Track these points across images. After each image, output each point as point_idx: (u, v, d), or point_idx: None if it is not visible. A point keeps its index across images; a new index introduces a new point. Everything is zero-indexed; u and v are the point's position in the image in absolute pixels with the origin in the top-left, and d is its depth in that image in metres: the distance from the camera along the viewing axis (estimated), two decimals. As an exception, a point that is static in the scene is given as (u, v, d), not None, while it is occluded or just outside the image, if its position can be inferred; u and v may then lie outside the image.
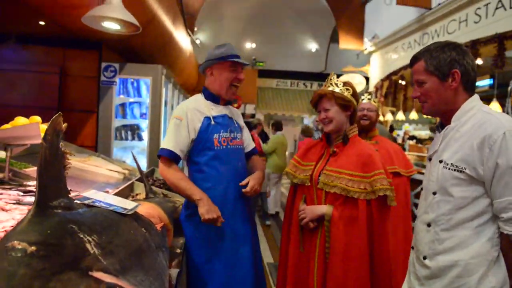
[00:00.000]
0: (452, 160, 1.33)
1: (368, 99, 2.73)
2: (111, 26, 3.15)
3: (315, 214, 1.83)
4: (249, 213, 2.15)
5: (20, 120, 2.39)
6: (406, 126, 11.81)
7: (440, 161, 1.38)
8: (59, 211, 0.86)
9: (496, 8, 5.45)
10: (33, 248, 0.68)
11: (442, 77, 1.36)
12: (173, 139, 1.97)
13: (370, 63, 10.34)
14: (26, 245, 0.68)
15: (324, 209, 1.82)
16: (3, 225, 1.44)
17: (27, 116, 2.46)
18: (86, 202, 1.19)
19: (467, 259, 1.30)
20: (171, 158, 1.95)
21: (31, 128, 2.25)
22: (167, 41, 5.81)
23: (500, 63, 5.21)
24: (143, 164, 4.97)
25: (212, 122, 2.02)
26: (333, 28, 12.90)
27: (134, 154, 2.60)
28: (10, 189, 2.04)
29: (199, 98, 2.12)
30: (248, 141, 2.28)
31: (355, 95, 1.90)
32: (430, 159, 1.49)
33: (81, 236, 0.82)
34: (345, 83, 1.89)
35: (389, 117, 9.33)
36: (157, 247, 1.33)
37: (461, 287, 1.30)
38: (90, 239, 0.84)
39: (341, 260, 1.74)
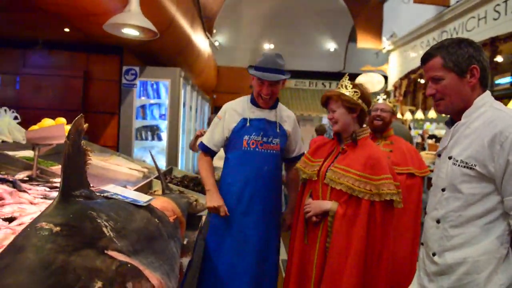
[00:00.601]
0: (461, 156, 1.31)
1: (383, 99, 2.74)
2: (131, 32, 3.32)
3: (320, 209, 1.89)
4: (266, 213, 2.19)
5: (47, 122, 2.57)
6: (428, 125, 11.65)
7: (450, 158, 1.36)
8: (80, 199, 0.99)
9: (515, 5, 5.37)
10: (58, 228, 0.81)
11: (461, 73, 1.33)
12: (209, 135, 2.25)
13: (388, 62, 10.26)
14: (52, 225, 0.81)
15: (329, 205, 1.87)
16: (32, 216, 1.58)
17: (53, 118, 2.64)
18: (104, 194, 1.32)
19: (475, 256, 1.28)
20: (204, 151, 2.24)
21: (57, 129, 2.42)
22: (186, 44, 5.98)
23: (520, 60, 5.14)
24: (162, 163, 5.15)
25: (248, 124, 2.16)
26: (351, 27, 12.84)
27: (152, 153, 2.75)
28: (37, 185, 2.19)
29: (244, 99, 2.27)
30: (293, 147, 2.35)
31: (365, 98, 1.94)
32: (439, 155, 1.46)
33: (99, 221, 0.95)
34: (355, 86, 1.94)
35: (408, 116, 9.25)
36: (169, 236, 1.44)
37: (470, 284, 1.28)
38: (106, 224, 0.97)
39: (338, 255, 1.81)
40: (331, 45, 14.99)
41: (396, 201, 1.82)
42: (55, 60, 5.27)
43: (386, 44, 9.88)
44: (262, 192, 2.17)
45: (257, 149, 2.15)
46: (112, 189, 1.48)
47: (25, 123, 2.89)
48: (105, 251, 0.87)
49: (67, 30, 4.65)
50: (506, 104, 5.92)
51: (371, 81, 10.60)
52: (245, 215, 2.14)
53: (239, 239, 2.14)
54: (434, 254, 1.39)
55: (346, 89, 1.93)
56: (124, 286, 0.81)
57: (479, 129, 1.29)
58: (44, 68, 5.25)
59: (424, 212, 1.60)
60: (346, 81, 1.95)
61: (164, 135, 5.57)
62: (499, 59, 6.04)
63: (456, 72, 1.33)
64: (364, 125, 2.03)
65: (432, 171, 1.64)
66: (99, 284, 0.74)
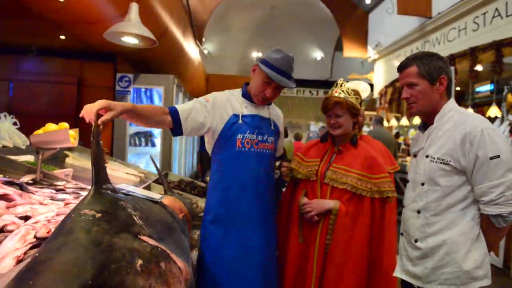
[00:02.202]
0: (438, 154, 1.53)
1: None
2: (130, 40, 3.42)
3: (323, 208, 1.92)
4: (266, 222, 1.99)
5: (50, 127, 2.64)
6: (412, 132, 11.94)
7: (427, 156, 1.58)
8: (109, 192, 1.10)
9: (493, 17, 5.67)
10: (99, 214, 0.91)
11: (432, 81, 1.56)
12: (187, 107, 1.85)
13: (374, 71, 10.56)
14: (94, 212, 0.91)
15: (331, 204, 1.91)
16: (46, 215, 1.66)
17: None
18: (123, 191, 1.42)
19: (454, 237, 1.49)
20: (171, 112, 1.80)
21: (61, 133, 2.49)
22: (178, 52, 6.09)
23: (499, 69, 5.43)
24: (156, 169, 5.22)
25: (240, 121, 1.91)
26: (338, 36, 13.16)
27: (152, 157, 2.84)
28: (42, 187, 2.26)
29: (235, 93, 2.01)
30: (280, 146, 2.17)
31: (361, 103, 2.03)
32: (415, 155, 1.69)
33: (129, 210, 1.05)
34: (354, 91, 1.99)
35: (393, 122, 9.51)
36: (181, 231, 1.55)
37: (450, 263, 1.49)
38: (135, 213, 1.07)
39: (342, 251, 1.87)
40: (318, 54, 15.29)
41: (390, 198, 1.94)
42: (49, 66, 5.32)
43: (371, 53, 10.18)
44: (259, 197, 1.94)
45: (252, 149, 1.91)
46: (125, 187, 1.58)
47: (19, 129, 2.95)
48: (139, 236, 0.98)
49: (63, 37, 4.72)
50: (486, 111, 6.21)
51: (357, 88, 10.85)
52: (244, 225, 1.91)
53: (239, 253, 1.88)
54: (416, 241, 1.59)
55: (349, 95, 1.95)
56: (159, 265, 0.92)
57: (450, 130, 1.52)
58: (38, 74, 5.29)
59: (401, 205, 1.80)
60: (345, 86, 1.98)
61: (158, 141, 5.65)
62: (479, 68, 6.33)
63: (428, 80, 1.57)
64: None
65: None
66: (140, 261, 0.85)
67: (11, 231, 1.41)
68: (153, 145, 5.65)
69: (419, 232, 1.58)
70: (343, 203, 1.91)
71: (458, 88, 8.23)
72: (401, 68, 1.65)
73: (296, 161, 2.12)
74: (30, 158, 2.84)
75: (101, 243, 0.82)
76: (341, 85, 1.99)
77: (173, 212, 1.63)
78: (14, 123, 3.11)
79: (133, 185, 3.33)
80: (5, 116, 3.05)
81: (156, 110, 1.79)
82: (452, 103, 1.60)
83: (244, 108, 1.94)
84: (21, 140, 3.09)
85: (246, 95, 1.98)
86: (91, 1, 3.52)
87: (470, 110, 6.27)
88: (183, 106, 1.87)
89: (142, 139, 5.53)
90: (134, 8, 3.21)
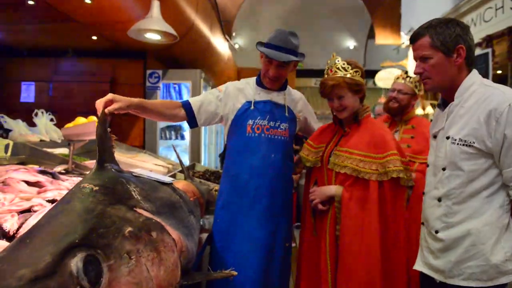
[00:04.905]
0: (459, 135, 1.35)
1: (403, 78, 2.42)
2: (153, 37, 3.57)
3: (325, 195, 1.80)
4: (275, 210, 1.94)
5: (80, 120, 2.84)
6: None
7: (447, 138, 1.39)
8: (112, 170, 1.20)
9: (533, -7, 5.32)
10: (97, 188, 1.02)
11: (447, 52, 1.37)
12: (199, 99, 1.93)
13: (408, 57, 10.21)
14: (92, 186, 1.01)
15: (333, 190, 1.78)
16: (71, 199, 1.82)
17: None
18: (135, 174, 1.53)
19: (479, 227, 1.32)
20: (184, 106, 1.89)
21: (89, 125, 2.68)
22: (205, 47, 6.23)
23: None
24: (186, 160, 5.41)
25: (252, 107, 1.91)
26: (370, 24, 12.83)
27: (174, 146, 2.96)
28: (73, 176, 2.45)
29: (250, 81, 2.02)
30: (314, 127, 2.13)
31: (363, 73, 1.83)
32: (435, 137, 1.49)
33: (128, 186, 1.15)
34: (351, 64, 1.79)
35: (429, 110, 9.18)
36: (189, 211, 1.64)
37: (476, 255, 1.33)
38: (134, 189, 1.17)
39: (351, 241, 1.71)
40: (350, 43, 14.98)
41: (403, 179, 1.73)
42: (84, 67, 5.66)
43: (404, 39, 9.84)
44: (269, 184, 1.91)
45: (262, 134, 1.89)
46: (139, 171, 1.70)
47: (58, 125, 3.19)
48: (134, 208, 1.07)
49: (95, 38, 4.98)
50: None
51: (391, 77, 10.57)
52: (250, 211, 1.90)
53: (244, 239, 1.89)
54: (437, 232, 1.42)
55: (346, 71, 1.77)
56: (150, 234, 1.00)
57: (473, 107, 1.34)
58: (74, 75, 5.64)
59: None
60: (341, 61, 1.80)
61: (187, 134, 5.85)
62: (519, 48, 5.97)
63: (443, 51, 1.37)
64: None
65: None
66: (130, 228, 0.94)
67: (37, 212, 1.57)
68: (183, 138, 5.85)
69: (440, 222, 1.41)
70: (345, 189, 1.76)
71: (499, 72, 7.82)
72: (413, 39, 1.44)
73: (306, 148, 2.00)
74: (65, 151, 3.05)
75: (93, 210, 0.92)
76: (334, 63, 1.80)
77: (184, 194, 1.73)
78: (51, 120, 3.35)
79: (161, 174, 3.52)
80: (42, 113, 3.30)
81: (168, 104, 1.89)
82: (474, 75, 1.40)
83: (257, 95, 1.95)
84: (57, 134, 3.33)
85: (259, 83, 1.99)
86: (116, 1, 3.70)
87: None
88: (195, 98, 1.96)
89: (172, 132, 5.75)
90: (155, 5, 3.35)
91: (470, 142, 1.32)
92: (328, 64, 1.84)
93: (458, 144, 1.36)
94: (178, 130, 5.80)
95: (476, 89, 1.37)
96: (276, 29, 1.92)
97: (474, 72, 1.42)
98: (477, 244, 1.33)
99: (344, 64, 1.79)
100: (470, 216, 1.35)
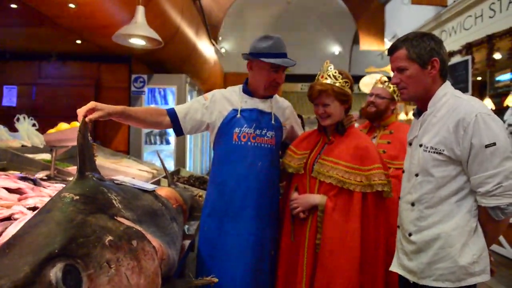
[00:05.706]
0: (431, 143, 1.43)
1: (382, 83, 2.40)
2: (138, 42, 3.57)
3: (309, 203, 1.80)
4: (262, 218, 1.94)
5: (63, 126, 2.82)
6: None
7: (420, 145, 1.47)
8: (94, 179, 1.21)
9: (510, 2, 5.50)
10: (77, 197, 1.03)
11: (422, 64, 1.44)
12: (185, 107, 1.95)
13: (392, 63, 10.38)
14: (72, 195, 1.02)
15: (317, 199, 1.78)
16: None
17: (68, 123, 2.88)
18: (117, 181, 1.54)
19: (448, 231, 1.40)
20: (170, 114, 1.91)
21: (72, 131, 2.65)
22: (191, 52, 6.24)
23: (516, 57, 5.27)
24: (171, 165, 5.40)
25: (238, 115, 1.92)
26: (355, 30, 13.03)
27: (158, 152, 2.97)
28: (55, 183, 2.43)
29: (236, 89, 2.03)
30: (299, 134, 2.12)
31: (352, 86, 1.86)
32: (410, 144, 1.57)
33: (109, 195, 1.16)
34: (342, 74, 1.81)
35: (412, 115, 9.34)
36: (171, 218, 1.65)
37: (445, 257, 1.40)
38: (115, 198, 1.18)
39: (332, 252, 1.71)
40: (335, 48, 15.17)
41: (386, 192, 1.77)
42: (68, 70, 5.61)
43: (388, 45, 10.02)
44: (256, 192, 1.91)
45: (249, 142, 1.90)
46: (121, 178, 1.70)
47: (41, 130, 3.16)
48: (114, 217, 1.08)
49: (79, 42, 4.94)
50: (504, 100, 6.05)
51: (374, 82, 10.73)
52: (237, 219, 1.90)
53: (231, 247, 1.89)
54: (410, 234, 1.50)
55: (337, 80, 1.79)
56: (130, 243, 1.02)
57: (444, 117, 1.42)
58: (58, 78, 5.58)
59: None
60: (332, 70, 1.82)
61: (172, 139, 5.84)
62: (497, 56, 6.16)
63: (419, 63, 1.45)
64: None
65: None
66: (110, 237, 0.95)
67: (17, 220, 1.56)
68: (168, 143, 5.85)
69: (413, 226, 1.49)
70: (330, 199, 1.76)
71: (479, 78, 8.02)
72: (390, 51, 1.53)
73: (288, 154, 2.00)
74: (47, 156, 3.02)
75: (74, 220, 0.93)
76: (327, 69, 1.82)
77: (166, 202, 1.74)
78: (33, 125, 3.32)
79: (145, 180, 3.50)
80: (23, 118, 3.26)
81: (152, 112, 1.89)
82: (446, 87, 1.49)
83: (244, 103, 1.95)
84: (39, 140, 3.30)
85: (246, 90, 2.00)
86: (101, 6, 3.69)
87: (488, 100, 6.12)
88: (181, 106, 1.96)
89: (157, 138, 5.73)
90: (140, 10, 3.36)
91: (440, 150, 1.40)
92: (320, 70, 1.86)
93: (429, 151, 1.43)
94: (163, 135, 5.78)
95: (447, 99, 1.45)
96: (264, 36, 1.92)
97: (447, 83, 1.50)
98: (446, 247, 1.41)
99: (335, 72, 1.81)
100: (440, 220, 1.43)
